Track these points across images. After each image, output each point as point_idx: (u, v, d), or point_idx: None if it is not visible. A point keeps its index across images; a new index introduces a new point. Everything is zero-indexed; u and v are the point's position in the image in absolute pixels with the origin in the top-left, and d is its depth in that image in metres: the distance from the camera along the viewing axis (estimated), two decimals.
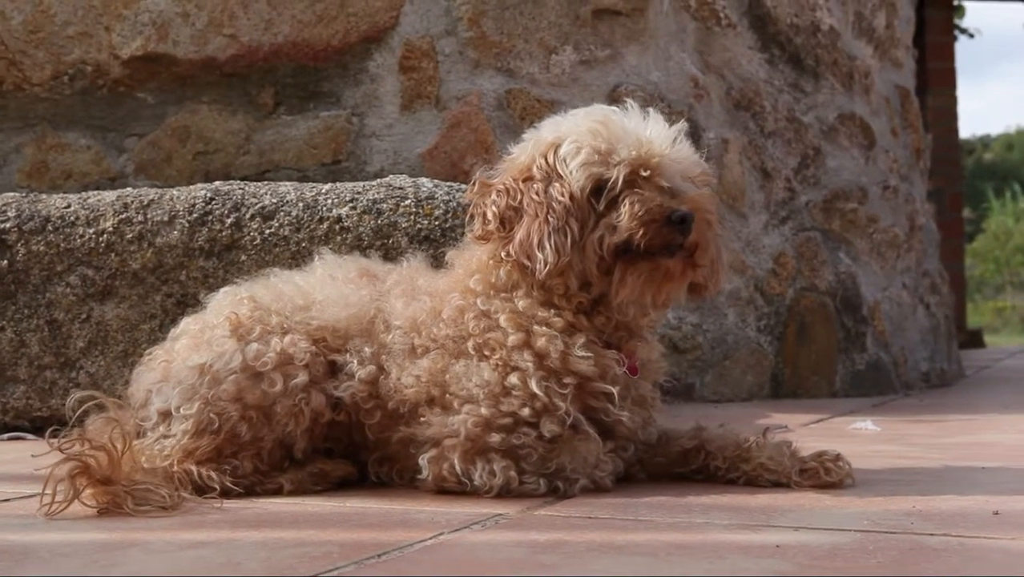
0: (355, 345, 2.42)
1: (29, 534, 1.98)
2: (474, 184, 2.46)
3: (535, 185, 2.37)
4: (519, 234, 2.35)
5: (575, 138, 2.39)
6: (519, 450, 2.30)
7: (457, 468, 2.30)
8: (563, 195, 2.34)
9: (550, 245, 2.31)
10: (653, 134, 2.38)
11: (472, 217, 2.46)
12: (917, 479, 2.56)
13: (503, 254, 2.37)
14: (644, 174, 2.33)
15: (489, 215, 2.39)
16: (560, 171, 2.37)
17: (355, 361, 2.41)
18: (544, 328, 2.35)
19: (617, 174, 2.33)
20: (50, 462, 2.15)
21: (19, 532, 2.00)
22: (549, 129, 2.46)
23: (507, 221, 2.38)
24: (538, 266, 2.32)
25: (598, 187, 2.35)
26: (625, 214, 2.30)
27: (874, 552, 1.77)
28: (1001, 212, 27.25)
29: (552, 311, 2.38)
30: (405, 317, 2.42)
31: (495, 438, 2.29)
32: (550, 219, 2.32)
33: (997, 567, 1.70)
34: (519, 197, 2.38)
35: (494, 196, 2.40)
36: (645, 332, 2.50)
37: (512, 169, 2.46)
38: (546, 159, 2.40)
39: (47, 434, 2.27)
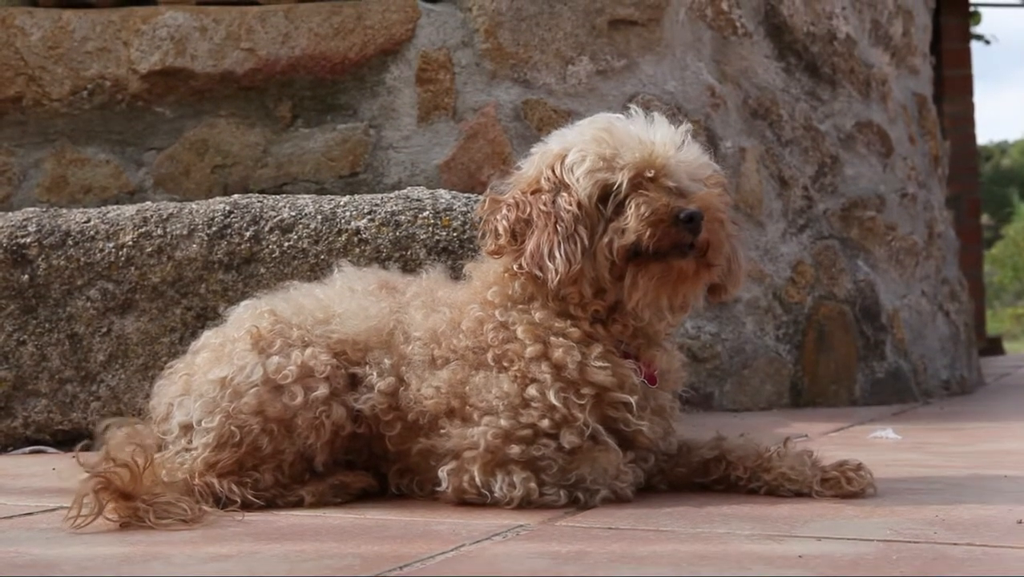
0: (374, 357, 2.43)
1: (52, 548, 1.99)
2: (484, 201, 2.47)
3: (543, 196, 2.38)
4: (529, 246, 2.35)
5: (580, 147, 2.40)
6: (539, 461, 2.30)
7: (477, 480, 2.30)
8: (570, 204, 2.34)
9: (560, 254, 2.31)
10: (657, 137, 2.38)
11: (484, 233, 2.47)
12: (939, 488, 2.55)
13: (516, 267, 2.38)
14: (649, 175, 2.33)
15: (500, 230, 2.40)
16: (567, 180, 2.38)
17: (375, 373, 2.41)
18: (561, 339, 2.36)
19: (622, 178, 2.33)
20: (73, 476, 2.16)
21: (43, 546, 2.01)
22: (555, 141, 2.48)
23: (518, 234, 2.39)
24: (550, 276, 2.32)
25: (605, 193, 2.35)
26: (632, 216, 2.30)
27: (897, 562, 1.76)
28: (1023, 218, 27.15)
29: (568, 321, 2.38)
30: (425, 328, 2.42)
31: (515, 450, 2.29)
32: (559, 228, 2.33)
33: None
34: (528, 210, 2.38)
35: (504, 211, 2.41)
36: (664, 340, 2.50)
37: (521, 183, 2.47)
38: (553, 170, 2.41)
39: (78, 448, 2.28)
